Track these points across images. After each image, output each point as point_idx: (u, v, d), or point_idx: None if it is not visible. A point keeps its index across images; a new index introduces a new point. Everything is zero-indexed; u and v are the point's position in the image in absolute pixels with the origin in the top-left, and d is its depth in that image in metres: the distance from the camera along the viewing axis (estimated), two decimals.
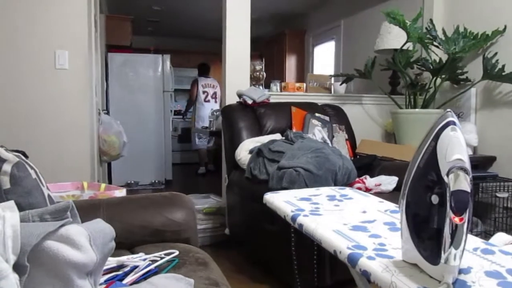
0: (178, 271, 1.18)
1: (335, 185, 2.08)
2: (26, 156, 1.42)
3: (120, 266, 1.16)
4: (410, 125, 2.91)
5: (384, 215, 1.12)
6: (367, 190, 2.24)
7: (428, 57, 2.92)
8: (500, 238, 1.08)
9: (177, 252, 1.26)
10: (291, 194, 1.36)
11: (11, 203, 0.67)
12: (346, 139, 2.83)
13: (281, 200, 1.27)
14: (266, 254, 2.26)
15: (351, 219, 1.07)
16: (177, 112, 7.31)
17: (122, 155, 3.39)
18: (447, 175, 0.67)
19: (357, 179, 2.30)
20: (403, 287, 0.68)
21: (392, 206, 1.22)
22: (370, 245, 0.87)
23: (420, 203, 0.74)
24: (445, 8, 3.28)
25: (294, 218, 1.10)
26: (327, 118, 2.80)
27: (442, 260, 0.68)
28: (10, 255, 0.64)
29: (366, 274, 0.77)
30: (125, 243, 1.37)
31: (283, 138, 2.41)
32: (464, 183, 0.66)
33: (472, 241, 0.90)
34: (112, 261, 1.15)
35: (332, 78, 3.50)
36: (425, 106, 2.94)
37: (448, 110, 0.72)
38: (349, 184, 2.23)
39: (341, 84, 3.31)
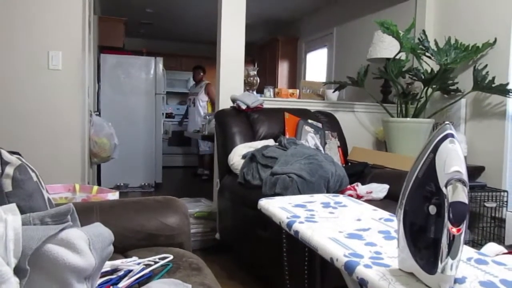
0: (172, 275, 1.18)
1: (327, 191, 2.10)
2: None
3: (114, 270, 1.16)
4: (401, 134, 2.94)
5: (379, 223, 1.13)
6: (359, 197, 2.26)
7: (420, 67, 2.96)
8: (491, 248, 1.10)
9: (171, 257, 1.26)
10: (285, 201, 1.37)
11: (13, 206, 0.67)
12: (338, 146, 2.86)
13: (276, 206, 1.28)
14: (257, 260, 2.26)
15: (346, 227, 1.08)
16: (168, 115, 7.30)
17: (113, 157, 3.36)
18: (446, 186, 0.69)
19: (348, 186, 2.32)
20: None
21: (385, 214, 1.24)
22: (367, 253, 0.88)
23: (418, 213, 0.76)
24: (437, 19, 3.34)
25: (289, 225, 1.11)
26: (319, 125, 2.83)
27: (439, 270, 0.70)
28: (12, 259, 0.63)
29: (363, 282, 0.78)
30: (118, 247, 1.36)
31: (277, 144, 2.42)
32: (462, 194, 0.67)
33: (466, 251, 0.92)
34: (106, 265, 1.14)
35: (325, 85, 3.53)
36: (416, 115, 2.98)
37: (447, 122, 0.74)
38: (340, 191, 2.24)
39: (333, 92, 3.34)
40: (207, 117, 4.67)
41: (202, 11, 5.64)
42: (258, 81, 3.07)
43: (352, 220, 1.16)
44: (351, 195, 2.25)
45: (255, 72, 3.02)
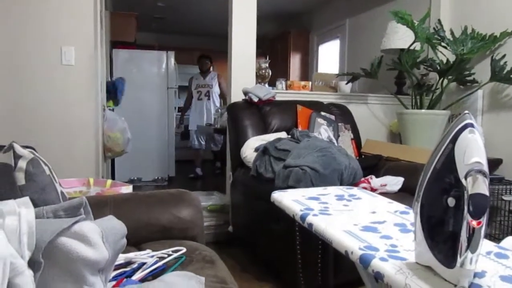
0: (186, 268, 1.18)
1: (341, 184, 2.08)
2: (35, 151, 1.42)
3: (127, 263, 1.16)
4: (416, 126, 2.90)
5: (394, 216, 1.11)
6: (373, 190, 2.23)
7: (435, 57, 2.90)
8: (510, 242, 1.07)
9: (184, 249, 1.26)
10: (299, 193, 1.36)
11: (26, 199, 0.67)
12: (352, 139, 2.83)
13: (290, 199, 1.27)
14: (270, 253, 2.25)
15: (361, 220, 1.06)
16: (180, 109, 7.31)
17: (126, 151, 3.39)
18: (465, 178, 0.66)
19: (362, 179, 2.29)
20: None
21: (401, 207, 1.21)
22: (382, 246, 0.87)
23: (436, 206, 0.74)
24: (453, 9, 3.27)
25: (303, 218, 1.10)
26: (332, 117, 2.80)
27: (458, 264, 0.68)
28: (26, 251, 0.63)
29: (379, 276, 0.76)
30: (132, 240, 1.36)
31: (289, 136, 2.40)
32: (482, 186, 0.65)
33: (485, 245, 0.89)
34: (120, 258, 1.15)
35: (338, 77, 3.49)
36: (431, 107, 2.93)
37: (466, 112, 0.72)
38: (354, 184, 2.22)
39: (346, 83, 3.30)
40: (219, 110, 4.68)
41: (213, 4, 5.62)
42: (270, 73, 3.04)
43: (366, 212, 1.14)
44: (365, 188, 2.23)
45: (267, 65, 2.99)
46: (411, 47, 2.85)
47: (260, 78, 2.96)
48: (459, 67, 2.80)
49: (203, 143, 5.45)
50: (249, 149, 2.37)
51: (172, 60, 5.26)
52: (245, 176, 2.38)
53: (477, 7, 3.06)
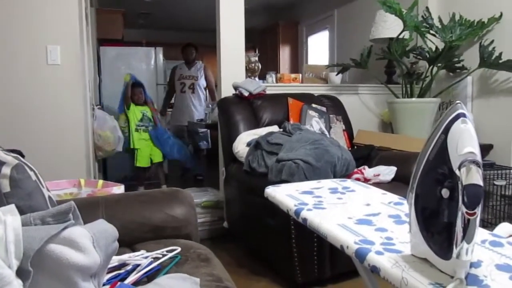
0: (181, 268, 1.17)
1: (334, 176, 2.07)
2: (23, 156, 1.39)
3: (122, 265, 1.14)
4: (407, 115, 2.90)
5: (388, 208, 1.11)
6: (366, 180, 2.23)
7: (424, 45, 2.90)
8: (504, 228, 1.07)
9: (179, 249, 1.25)
10: (292, 188, 1.35)
11: (12, 206, 0.65)
12: (344, 130, 2.82)
13: (283, 194, 1.26)
14: (266, 247, 2.25)
15: (355, 213, 1.06)
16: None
17: (117, 150, 3.36)
18: (459, 168, 0.66)
19: (355, 169, 2.29)
20: (414, 283, 0.67)
21: (395, 198, 1.21)
22: (377, 239, 0.86)
23: (430, 197, 0.73)
24: None
25: (297, 213, 1.09)
26: (324, 109, 2.79)
27: (454, 255, 0.67)
28: (13, 260, 0.62)
29: (375, 270, 0.76)
30: (125, 241, 1.35)
31: (281, 130, 2.39)
32: (476, 176, 0.64)
33: (480, 233, 0.89)
34: (113, 260, 1.13)
35: (328, 68, 3.48)
36: (421, 95, 2.94)
37: (458, 102, 0.71)
38: (348, 175, 2.22)
39: (337, 74, 3.29)
40: (210, 105, 4.63)
41: None
42: (260, 67, 3.02)
43: (361, 205, 1.14)
44: (358, 179, 2.23)
45: (256, 58, 2.97)
46: (400, 36, 2.84)
47: (250, 72, 2.94)
48: (448, 54, 2.80)
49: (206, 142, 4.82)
50: (241, 144, 2.36)
51: (161, 56, 5.21)
52: (238, 171, 2.37)
53: None
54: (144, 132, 3.89)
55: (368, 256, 0.78)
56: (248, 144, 2.32)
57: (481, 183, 0.65)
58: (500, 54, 2.63)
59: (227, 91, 2.83)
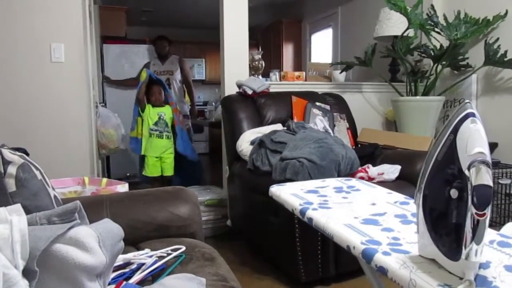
0: (186, 267, 1.16)
1: (339, 175, 2.07)
2: (27, 154, 1.39)
3: (126, 264, 1.14)
4: (411, 113, 2.89)
5: (394, 207, 1.10)
6: (370, 179, 2.23)
7: (429, 43, 2.88)
8: (511, 228, 1.06)
9: (183, 248, 1.24)
10: (297, 187, 1.35)
11: (18, 206, 0.65)
12: (347, 128, 2.81)
13: (288, 193, 1.25)
14: (270, 246, 2.25)
15: (361, 212, 1.05)
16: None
17: (121, 148, 3.36)
18: (468, 169, 0.65)
19: (359, 168, 2.28)
20: (423, 284, 0.67)
21: (401, 197, 1.20)
22: (384, 240, 0.86)
23: (438, 197, 0.72)
24: None
25: (303, 212, 1.09)
26: (327, 107, 2.78)
27: (463, 256, 0.66)
28: (19, 261, 0.61)
29: (382, 271, 0.75)
30: (130, 239, 1.35)
31: (285, 128, 2.38)
32: (486, 177, 0.64)
33: (487, 233, 0.88)
34: (118, 259, 1.13)
35: (332, 66, 3.47)
36: (426, 93, 2.92)
37: (467, 101, 0.70)
38: (352, 173, 2.21)
39: (340, 72, 3.28)
40: (214, 103, 4.60)
41: None
42: (263, 65, 3.01)
43: (366, 204, 1.13)
44: (362, 178, 2.22)
45: (260, 56, 2.96)
46: (405, 34, 2.82)
47: (253, 70, 2.93)
48: (453, 52, 2.78)
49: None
50: (245, 143, 2.35)
51: None
52: (241, 169, 2.37)
53: None
54: (158, 138, 3.23)
55: (375, 256, 0.77)
56: (252, 143, 2.31)
57: (491, 183, 0.64)
58: (506, 52, 2.61)
59: (230, 89, 2.82)
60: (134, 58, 5.04)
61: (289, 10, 6.33)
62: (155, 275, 1.11)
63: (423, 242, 0.78)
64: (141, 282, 1.06)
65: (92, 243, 0.71)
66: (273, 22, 6.41)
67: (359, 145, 2.81)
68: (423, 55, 3.03)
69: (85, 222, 0.75)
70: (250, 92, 2.59)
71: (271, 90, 2.77)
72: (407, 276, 0.70)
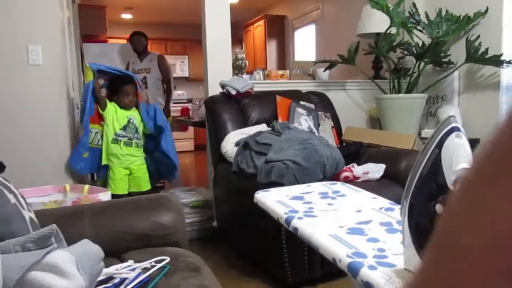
0: (170, 279, 1.14)
1: (324, 175, 2.06)
2: (4, 166, 1.35)
3: (109, 278, 1.12)
4: (395, 110, 2.90)
5: (380, 214, 1.10)
6: (355, 178, 2.23)
7: (411, 41, 2.90)
8: None
9: (168, 259, 1.22)
10: (282, 193, 1.33)
11: None
12: (332, 127, 2.81)
13: (273, 200, 1.24)
14: (256, 248, 2.24)
15: (346, 221, 1.04)
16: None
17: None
18: (454, 185, 0.64)
19: (344, 167, 2.28)
20: None
21: (386, 203, 1.20)
22: (370, 251, 0.85)
23: (423, 211, 0.72)
24: None
25: (288, 221, 1.07)
26: (312, 106, 2.77)
27: None
28: None
29: (368, 286, 0.74)
30: (113, 250, 1.32)
31: (270, 129, 2.37)
32: None
33: None
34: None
35: (316, 64, 3.46)
36: (409, 90, 2.94)
37: (452, 115, 0.69)
38: (337, 173, 2.21)
39: (324, 71, 3.27)
40: (197, 102, 4.56)
41: None
42: (247, 64, 2.99)
43: (352, 211, 1.12)
44: (347, 177, 2.22)
45: (243, 55, 2.93)
46: (387, 31, 2.83)
47: (237, 69, 2.90)
48: (435, 49, 2.80)
49: None
50: (230, 144, 2.33)
51: None
52: (226, 171, 2.35)
53: None
54: (126, 147, 2.66)
55: (361, 271, 0.77)
56: (237, 144, 2.29)
57: None
58: (487, 49, 2.64)
59: (214, 89, 2.78)
60: (114, 57, 4.96)
61: (271, 6, 6.30)
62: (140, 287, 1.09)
63: (408, 254, 0.77)
64: None
65: (70, 267, 0.68)
66: (255, 19, 6.37)
67: (344, 144, 2.81)
68: (405, 52, 3.04)
69: (62, 245, 0.73)
70: (234, 92, 2.57)
71: (255, 89, 2.74)
72: None
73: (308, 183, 1.82)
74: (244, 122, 2.54)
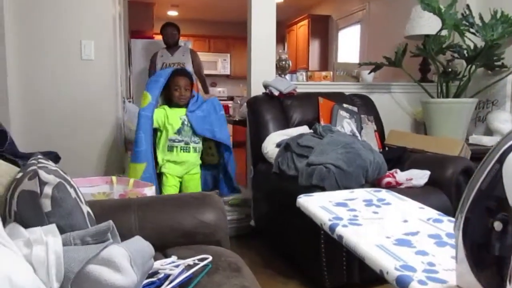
0: (212, 277, 1.16)
1: (366, 181, 2.03)
2: (59, 158, 1.42)
3: (154, 273, 1.15)
4: (442, 115, 2.80)
5: (427, 225, 1.07)
6: (398, 184, 2.18)
7: (462, 43, 2.78)
8: None
9: (210, 258, 1.24)
10: (325, 198, 1.32)
11: (53, 227, 0.65)
12: (375, 130, 2.76)
13: (316, 205, 1.23)
14: (294, 248, 2.24)
15: (393, 231, 1.02)
16: None
17: None
18: None
19: (387, 173, 2.23)
20: None
21: (433, 213, 1.17)
22: (419, 265, 0.83)
23: (480, 228, 0.69)
24: None
25: (332, 228, 1.07)
26: (355, 109, 2.73)
27: None
28: (54, 283, 0.62)
29: None
30: (157, 245, 1.35)
31: (311, 131, 2.35)
32: None
33: None
34: None
35: (360, 66, 3.40)
36: (458, 94, 2.83)
37: None
38: (379, 178, 2.17)
39: (369, 73, 3.21)
40: (238, 101, 4.57)
41: None
42: (290, 64, 2.98)
43: (398, 221, 1.10)
44: (390, 183, 2.18)
45: (287, 56, 2.93)
46: (438, 33, 2.73)
47: (280, 69, 2.90)
48: (488, 53, 2.68)
49: None
50: (271, 145, 2.33)
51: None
52: (266, 171, 2.35)
53: None
54: (184, 152, 2.36)
55: (411, 286, 0.75)
56: (278, 145, 2.29)
57: None
58: None
59: (256, 88, 2.80)
60: None
61: (315, 5, 6.24)
62: (183, 285, 1.11)
63: (461, 271, 0.74)
64: None
65: (124, 263, 0.71)
66: (299, 19, 6.33)
67: (387, 148, 2.75)
68: (455, 55, 2.93)
69: (117, 240, 0.76)
70: (276, 93, 2.57)
71: (298, 90, 2.73)
72: None
73: (350, 187, 1.81)
74: (286, 123, 2.54)
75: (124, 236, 0.95)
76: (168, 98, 2.46)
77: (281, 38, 6.81)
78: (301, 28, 6.27)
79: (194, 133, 2.39)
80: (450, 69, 2.96)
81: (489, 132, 2.99)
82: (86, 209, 0.85)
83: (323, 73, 3.11)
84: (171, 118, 2.38)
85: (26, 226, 0.69)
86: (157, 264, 1.17)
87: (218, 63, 7.40)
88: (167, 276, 1.12)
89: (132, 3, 4.92)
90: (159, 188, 2.35)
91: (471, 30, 2.66)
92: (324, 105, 2.61)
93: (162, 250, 1.36)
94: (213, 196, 1.53)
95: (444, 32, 2.76)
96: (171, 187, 2.40)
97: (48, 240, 0.63)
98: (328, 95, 2.72)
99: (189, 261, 1.21)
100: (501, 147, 0.66)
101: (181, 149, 2.36)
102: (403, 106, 3.31)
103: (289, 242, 2.26)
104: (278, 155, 2.19)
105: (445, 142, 2.60)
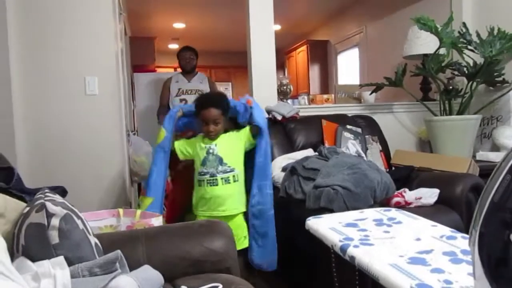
0: None
1: (374, 201, 2.00)
2: (66, 192, 1.42)
3: None
4: (447, 132, 2.79)
5: (441, 243, 1.05)
6: (407, 204, 2.15)
7: (461, 61, 2.81)
8: None
9: (220, 286, 1.22)
10: (335, 219, 1.31)
11: (61, 259, 0.64)
12: (380, 150, 2.75)
13: (326, 227, 1.22)
14: (303, 275, 2.19)
15: (406, 250, 1.00)
16: None
17: None
18: None
19: (396, 192, 2.21)
20: None
21: (446, 230, 1.14)
22: (436, 283, 0.80)
23: (495, 240, 0.67)
24: (475, 9, 3.17)
25: (343, 249, 1.05)
26: (359, 130, 2.73)
27: None
28: None
29: None
30: (166, 276, 1.33)
31: (316, 154, 2.35)
32: None
33: None
34: None
35: (361, 88, 3.42)
36: (461, 112, 2.82)
37: None
38: (387, 198, 2.14)
39: (370, 94, 3.23)
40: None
41: (230, 22, 5.65)
42: (291, 89, 3.01)
43: (411, 240, 1.08)
44: (399, 202, 2.15)
45: (288, 81, 2.96)
46: (436, 52, 2.76)
47: (281, 94, 2.92)
48: (488, 69, 2.69)
49: None
50: (277, 169, 2.32)
51: None
52: (274, 196, 2.33)
53: (500, 5, 2.96)
54: (211, 187, 2.03)
55: None
56: (284, 169, 2.28)
57: None
58: None
59: None
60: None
61: (314, 31, 6.36)
62: None
63: (480, 287, 0.72)
64: None
65: None
66: (298, 44, 6.43)
67: (393, 168, 2.73)
68: (456, 73, 2.95)
69: (125, 270, 0.74)
70: (279, 117, 2.58)
71: (301, 114, 2.75)
72: None
73: (358, 208, 1.78)
74: (290, 147, 2.54)
75: (132, 267, 0.94)
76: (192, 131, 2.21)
77: (281, 64, 6.91)
78: (300, 54, 6.36)
79: (222, 161, 2.02)
80: (451, 87, 2.98)
81: (495, 148, 2.97)
82: (94, 240, 0.84)
83: (325, 96, 3.13)
84: (198, 147, 2.07)
85: (34, 259, 0.68)
86: None
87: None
88: None
89: (133, 39, 5.03)
90: None
91: (469, 47, 2.69)
92: (327, 127, 2.62)
93: (171, 281, 1.33)
94: (220, 224, 1.51)
95: (443, 51, 2.79)
96: None
97: (56, 273, 0.62)
98: (331, 117, 2.73)
99: None
100: (511, 157, 0.66)
101: (207, 183, 2.03)
102: (406, 125, 3.31)
103: (299, 266, 2.21)
104: (284, 179, 2.18)
105: (452, 160, 2.59)
